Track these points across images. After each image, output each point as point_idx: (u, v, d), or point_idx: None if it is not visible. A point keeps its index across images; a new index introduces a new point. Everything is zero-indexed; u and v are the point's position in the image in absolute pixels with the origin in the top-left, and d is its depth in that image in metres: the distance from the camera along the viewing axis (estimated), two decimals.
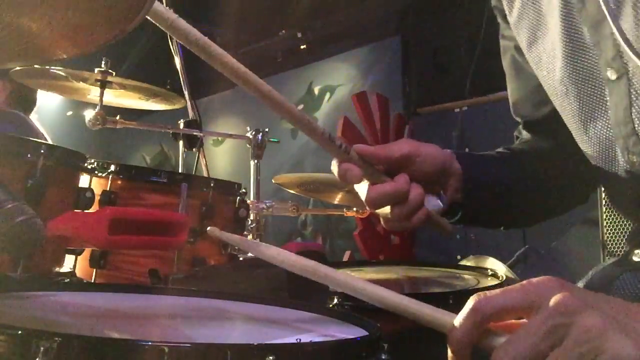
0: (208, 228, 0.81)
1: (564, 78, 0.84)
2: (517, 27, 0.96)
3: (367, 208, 0.82)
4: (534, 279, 0.52)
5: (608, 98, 0.78)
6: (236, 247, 1.68)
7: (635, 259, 0.87)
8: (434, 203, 0.88)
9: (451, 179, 0.89)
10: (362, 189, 0.81)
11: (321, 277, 0.67)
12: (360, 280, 0.65)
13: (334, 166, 0.79)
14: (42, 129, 2.74)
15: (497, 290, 0.53)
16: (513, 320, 0.53)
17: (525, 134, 1.10)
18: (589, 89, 0.81)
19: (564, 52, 0.83)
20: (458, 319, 0.53)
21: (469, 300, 0.53)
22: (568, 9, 0.81)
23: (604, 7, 0.73)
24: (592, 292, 0.52)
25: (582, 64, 0.81)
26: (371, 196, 0.80)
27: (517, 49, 1.02)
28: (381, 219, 0.86)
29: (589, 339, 0.46)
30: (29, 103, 2.80)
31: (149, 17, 0.59)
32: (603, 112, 0.80)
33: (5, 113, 2.72)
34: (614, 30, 0.72)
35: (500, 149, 1.07)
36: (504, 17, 1.03)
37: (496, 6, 1.05)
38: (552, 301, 0.49)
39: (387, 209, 0.82)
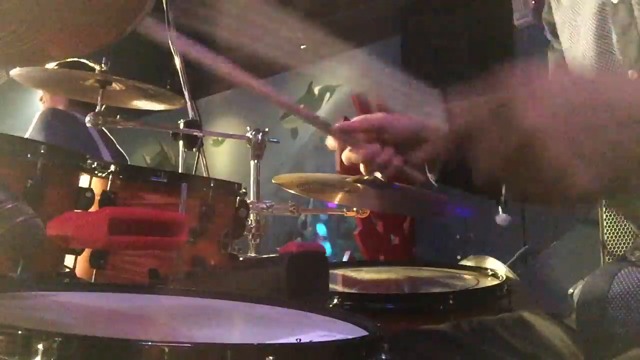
0: None
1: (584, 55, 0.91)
2: (561, 33, 1.03)
3: (346, 163, 1.05)
4: None
5: None
6: (236, 247, 1.68)
7: (632, 259, 0.88)
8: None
9: (426, 143, 1.03)
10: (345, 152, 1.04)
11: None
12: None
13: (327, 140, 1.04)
14: (96, 135, 2.74)
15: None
16: None
17: None
18: (603, 64, 0.88)
19: (595, 56, 0.90)
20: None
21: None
22: (603, 15, 0.88)
23: (636, 11, 0.81)
24: None
25: (609, 67, 0.88)
26: (345, 158, 1.03)
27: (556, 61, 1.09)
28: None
29: None
30: (88, 105, 2.79)
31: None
32: None
33: (62, 113, 2.72)
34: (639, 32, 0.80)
35: None
36: (552, 30, 1.09)
37: (545, 19, 1.10)
38: None
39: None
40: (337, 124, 1.04)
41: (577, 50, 0.96)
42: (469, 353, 0.91)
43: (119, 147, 2.90)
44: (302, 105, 5.46)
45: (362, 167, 1.05)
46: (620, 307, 0.83)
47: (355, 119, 1.06)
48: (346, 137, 1.03)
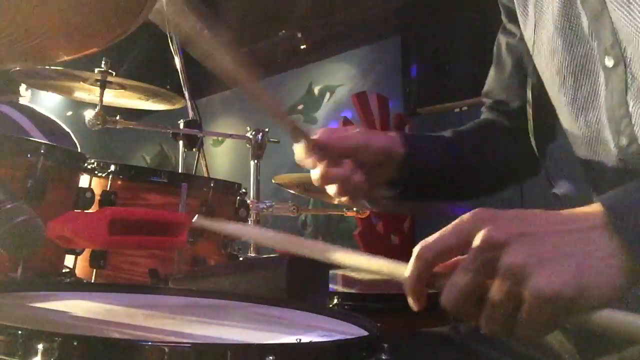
0: (194, 219, 0.88)
1: (561, 68, 0.90)
2: (523, 21, 1.01)
3: (316, 184, 0.98)
4: (465, 215, 0.56)
5: (602, 85, 0.84)
6: (236, 247, 1.68)
7: None
8: None
9: (393, 162, 1.01)
10: (315, 171, 0.96)
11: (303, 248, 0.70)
12: (325, 245, 0.68)
13: (297, 152, 0.96)
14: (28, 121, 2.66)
15: (435, 234, 0.57)
16: (459, 257, 0.56)
17: (485, 115, 1.19)
18: (585, 77, 0.87)
19: (563, 43, 0.89)
20: (407, 269, 0.58)
21: (414, 250, 0.58)
22: (570, 1, 0.87)
23: None
24: (523, 213, 0.55)
25: (579, 54, 0.87)
26: (321, 178, 0.95)
27: (508, 45, 1.11)
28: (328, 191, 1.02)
29: (514, 275, 0.51)
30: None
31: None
32: (596, 99, 0.86)
33: None
34: (613, 19, 0.78)
35: (456, 129, 1.18)
36: (508, 12, 1.09)
37: (502, 2, 1.11)
38: (478, 237, 0.53)
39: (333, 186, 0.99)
40: (314, 138, 0.96)
41: (543, 38, 0.94)
42: (468, 354, 0.91)
43: (64, 126, 2.80)
44: (301, 106, 5.47)
45: (330, 189, 0.98)
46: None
47: (332, 135, 0.98)
48: (322, 153, 0.96)
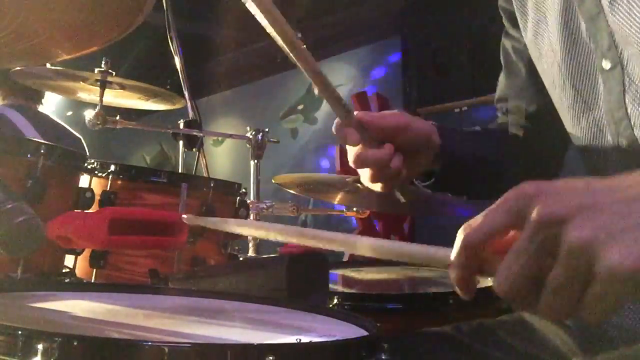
0: (183, 216, 0.89)
1: (562, 71, 0.91)
2: (523, 26, 1.02)
3: (352, 165, 0.90)
4: (511, 191, 0.50)
5: (602, 88, 0.84)
6: (236, 247, 1.68)
7: None
8: None
9: (431, 150, 0.98)
10: (352, 149, 0.90)
11: (308, 237, 0.66)
12: (347, 235, 0.64)
13: (335, 126, 0.88)
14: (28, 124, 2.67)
15: (480, 216, 0.52)
16: (510, 235, 0.51)
17: (503, 117, 1.18)
18: (585, 80, 0.87)
19: (563, 46, 0.89)
20: (453, 256, 0.52)
21: (458, 234, 0.52)
22: (568, 3, 0.87)
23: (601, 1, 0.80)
24: (575, 183, 0.50)
25: (578, 57, 0.88)
26: (358, 158, 0.88)
27: (515, 49, 1.10)
28: (360, 176, 0.96)
29: (581, 253, 0.45)
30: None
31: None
32: (596, 101, 0.86)
33: None
34: (609, 22, 0.79)
35: (485, 127, 1.18)
36: (510, 17, 1.08)
37: (503, 7, 1.10)
38: (535, 213, 0.47)
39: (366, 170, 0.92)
40: (357, 113, 0.88)
41: (543, 42, 0.95)
42: (468, 354, 0.91)
43: (69, 128, 2.81)
44: (301, 106, 5.46)
45: (366, 172, 0.92)
46: None
47: (373, 113, 0.91)
48: (363, 131, 0.88)
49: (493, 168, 1.10)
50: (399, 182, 0.95)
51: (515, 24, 1.07)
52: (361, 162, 0.88)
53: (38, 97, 2.76)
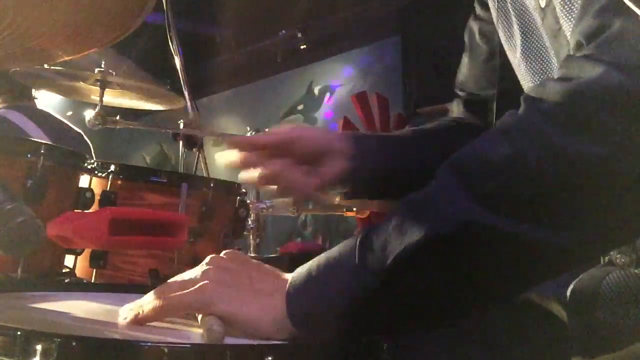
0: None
1: (521, 57, 0.93)
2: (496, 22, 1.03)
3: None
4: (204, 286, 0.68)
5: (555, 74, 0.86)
6: (236, 247, 1.68)
7: (619, 263, 0.88)
8: None
9: (335, 159, 0.97)
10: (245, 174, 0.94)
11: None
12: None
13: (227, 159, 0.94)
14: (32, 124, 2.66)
15: (178, 285, 0.70)
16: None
17: (457, 110, 1.18)
18: (539, 66, 0.90)
19: (520, 32, 0.92)
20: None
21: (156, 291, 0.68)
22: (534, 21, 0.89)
23: (561, 20, 0.78)
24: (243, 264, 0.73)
25: (533, 44, 0.90)
26: (257, 179, 0.92)
27: (481, 31, 1.14)
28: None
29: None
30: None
31: None
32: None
33: None
34: (568, 37, 0.78)
35: (417, 128, 1.15)
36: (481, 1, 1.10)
37: None
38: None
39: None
40: (239, 137, 0.94)
41: (515, 49, 0.96)
42: (468, 354, 0.91)
43: (69, 123, 2.81)
44: (300, 106, 5.47)
45: (271, 189, 0.95)
46: (609, 312, 0.83)
47: (262, 134, 0.96)
48: (253, 153, 0.93)
49: (410, 173, 1.06)
50: (307, 192, 0.96)
51: (485, 7, 1.08)
52: (260, 180, 0.92)
53: (29, 93, 2.76)
